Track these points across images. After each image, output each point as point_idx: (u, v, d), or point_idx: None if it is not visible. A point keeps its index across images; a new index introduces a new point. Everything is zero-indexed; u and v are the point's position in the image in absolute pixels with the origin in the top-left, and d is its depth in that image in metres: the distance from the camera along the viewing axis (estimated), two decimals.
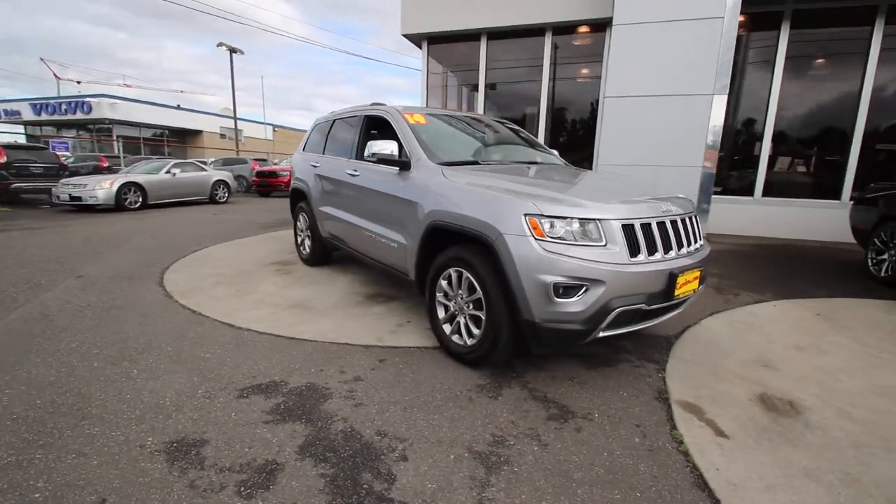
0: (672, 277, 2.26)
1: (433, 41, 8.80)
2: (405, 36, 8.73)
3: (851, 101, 6.88)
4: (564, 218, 2.16)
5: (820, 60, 7.14)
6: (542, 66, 8.23)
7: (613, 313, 2.17)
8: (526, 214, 2.18)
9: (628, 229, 2.21)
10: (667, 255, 2.31)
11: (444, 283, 2.66)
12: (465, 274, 2.47)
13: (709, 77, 6.48)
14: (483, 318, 2.39)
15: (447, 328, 2.69)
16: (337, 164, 3.96)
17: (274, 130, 33.30)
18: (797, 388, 2.40)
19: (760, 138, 7.28)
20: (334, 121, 4.38)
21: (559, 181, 2.81)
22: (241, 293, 3.79)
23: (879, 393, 2.36)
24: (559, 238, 2.14)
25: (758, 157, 7.36)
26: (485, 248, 2.36)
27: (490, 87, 8.68)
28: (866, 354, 2.84)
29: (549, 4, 7.65)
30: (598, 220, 2.18)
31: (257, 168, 16.18)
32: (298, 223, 4.86)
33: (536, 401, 2.22)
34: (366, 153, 3.12)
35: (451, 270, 2.57)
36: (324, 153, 4.36)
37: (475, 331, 2.47)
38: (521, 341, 2.31)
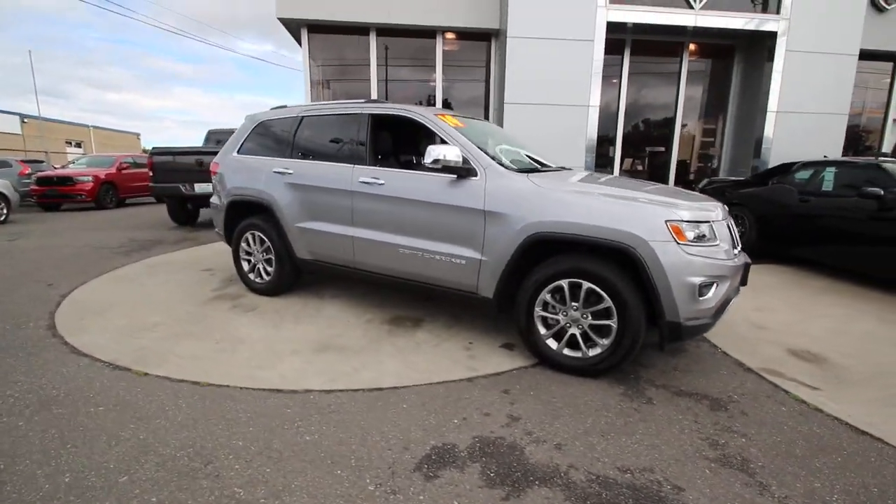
0: (748, 268, 2.66)
1: (315, 30, 7.95)
2: (281, 21, 7.66)
3: (671, 110, 8.95)
4: (696, 222, 2.33)
5: (650, 76, 9.07)
6: (434, 66, 8.30)
7: (728, 304, 2.44)
8: (667, 221, 2.27)
9: (726, 228, 2.52)
10: (735, 251, 2.70)
11: (548, 296, 2.55)
12: (586, 285, 2.42)
13: (587, 90, 7.58)
14: (614, 326, 2.39)
15: (553, 343, 2.59)
16: (333, 171, 3.30)
17: (23, 122, 24.88)
18: (794, 341, 3.11)
19: (614, 142, 8.86)
20: (303, 118, 3.62)
21: (642, 186, 2.87)
22: (226, 345, 2.86)
23: (839, 333, 3.24)
24: (694, 241, 2.30)
25: (612, 159, 8.95)
26: (616, 257, 2.37)
27: (382, 83, 8.33)
28: (799, 311, 3.84)
29: (441, 9, 7.74)
30: (713, 221, 2.41)
31: (29, 171, 12.03)
32: (246, 245, 3.87)
33: (683, 396, 2.35)
34: (426, 160, 2.70)
35: (563, 282, 2.48)
36: (294, 157, 3.57)
37: (602, 341, 2.45)
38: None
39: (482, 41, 8.32)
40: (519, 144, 3.62)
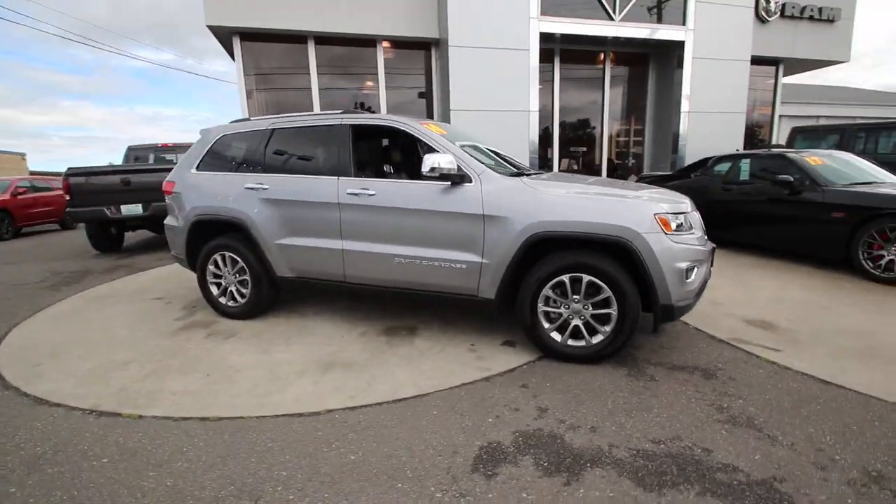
0: (714, 252, 3.00)
1: (248, 38, 7.57)
2: (211, 28, 7.21)
3: (598, 113, 9.67)
4: (678, 213, 2.59)
5: (578, 82, 9.72)
6: (376, 75, 8.26)
7: (705, 285, 2.74)
8: (655, 214, 2.50)
9: (696, 217, 2.83)
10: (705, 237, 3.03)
11: (549, 292, 2.69)
12: (586, 278, 2.59)
13: (526, 95, 7.98)
14: (614, 314, 2.58)
15: (557, 336, 2.73)
16: (315, 185, 3.20)
17: None
18: (746, 312, 3.54)
19: (551, 143, 9.38)
20: (273, 130, 3.47)
21: (616, 184, 3.12)
22: (218, 376, 2.67)
23: (778, 301, 3.74)
24: (677, 230, 2.56)
25: (551, 159, 9.47)
26: (613, 250, 2.57)
27: (324, 92, 8.12)
28: (741, 286, 4.36)
29: (379, 18, 7.73)
30: (687, 213, 2.70)
31: None
32: (214, 268, 3.62)
33: (678, 370, 2.60)
34: (423, 169, 2.73)
35: (564, 277, 2.64)
36: (267, 172, 3.41)
37: (604, 328, 2.63)
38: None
39: (422, 49, 8.43)
40: (476, 139, 3.71)
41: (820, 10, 9.81)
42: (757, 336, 3.06)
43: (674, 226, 2.54)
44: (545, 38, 8.06)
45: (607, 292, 2.57)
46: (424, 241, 2.93)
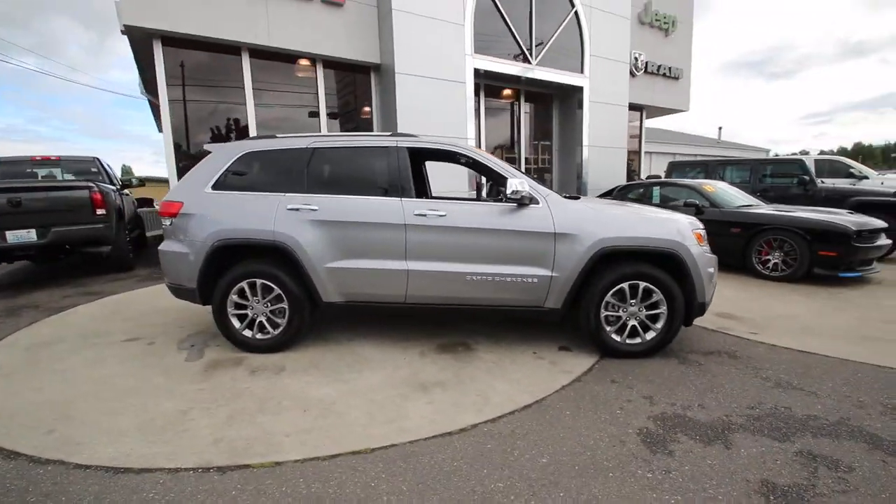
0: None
1: (170, 43, 6.72)
2: (128, 29, 6.25)
3: (515, 143, 10.72)
4: (703, 229, 3.25)
5: (498, 115, 10.67)
6: (316, 94, 8.01)
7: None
8: (694, 230, 3.12)
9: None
10: None
11: (610, 298, 3.11)
12: (642, 284, 3.08)
13: (464, 124, 8.56)
14: (664, 313, 3.10)
15: (616, 336, 3.16)
16: (376, 206, 3.15)
17: None
18: (712, 308, 4.45)
19: None
20: (315, 149, 3.30)
21: (642, 207, 3.69)
22: (318, 411, 2.48)
23: (727, 299, 4.75)
24: (705, 243, 3.21)
25: (481, 183, 10.16)
26: (661, 259, 3.09)
27: (259, 107, 7.56)
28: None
29: (320, 38, 7.59)
30: (702, 228, 3.40)
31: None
32: (238, 298, 3.24)
33: (710, 355, 3.21)
34: (508, 191, 2.95)
35: (625, 285, 3.09)
36: (310, 192, 3.22)
37: (656, 326, 3.13)
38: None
39: (363, 73, 8.46)
40: None
41: (670, 69, 12.50)
42: (731, 325, 3.89)
43: (704, 239, 3.19)
44: (474, 73, 8.79)
45: (659, 295, 3.08)
46: (497, 259, 3.13)
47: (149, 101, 10.41)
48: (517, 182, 3.00)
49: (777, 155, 27.67)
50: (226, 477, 1.91)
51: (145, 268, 7.00)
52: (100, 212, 5.83)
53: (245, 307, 3.28)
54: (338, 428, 2.30)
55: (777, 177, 8.32)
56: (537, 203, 3.14)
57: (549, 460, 2.00)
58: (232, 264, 3.26)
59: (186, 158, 7.17)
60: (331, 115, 8.32)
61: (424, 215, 3.13)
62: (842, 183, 8.10)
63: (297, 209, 3.18)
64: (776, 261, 5.58)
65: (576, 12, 9.83)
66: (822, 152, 26.84)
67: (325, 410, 2.48)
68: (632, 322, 3.14)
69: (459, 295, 3.19)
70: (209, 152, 3.48)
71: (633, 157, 13.21)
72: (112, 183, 6.97)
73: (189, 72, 7.07)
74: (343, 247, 3.18)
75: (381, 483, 1.86)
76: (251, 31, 7.09)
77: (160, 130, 14.55)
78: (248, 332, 3.30)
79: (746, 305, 4.47)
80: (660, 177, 9.88)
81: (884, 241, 5.47)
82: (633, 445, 2.11)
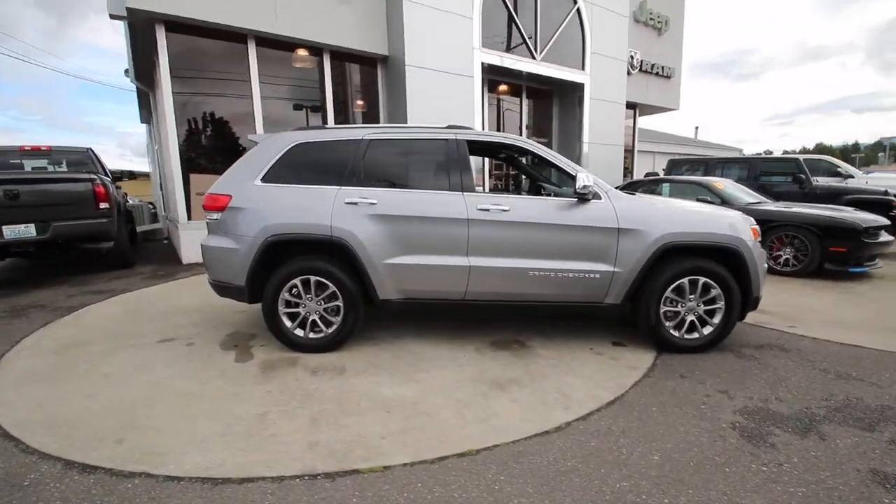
0: None
1: (174, 28, 6.39)
2: (130, 12, 5.89)
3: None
4: (755, 224, 3.31)
5: (501, 109, 10.64)
6: (323, 86, 7.79)
7: None
8: (751, 226, 3.17)
9: None
10: None
11: (670, 293, 3.14)
12: (702, 279, 3.12)
13: (472, 117, 8.50)
14: (722, 308, 3.15)
15: (675, 332, 3.19)
16: (439, 200, 3.07)
17: None
18: None
19: (484, 164, 10.05)
20: (371, 141, 3.19)
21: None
22: (404, 412, 2.40)
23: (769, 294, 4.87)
24: (759, 239, 3.28)
25: (484, 177, 10.13)
26: (723, 255, 3.13)
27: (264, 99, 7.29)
28: None
29: (331, 27, 7.37)
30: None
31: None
32: (289, 296, 3.11)
33: (763, 349, 3.29)
34: (577, 186, 2.93)
35: (684, 280, 3.12)
36: (366, 185, 3.12)
37: (714, 320, 3.17)
38: None
39: (369, 66, 8.27)
40: None
41: (662, 67, 12.74)
42: (768, 320, 3.99)
43: (759, 234, 3.25)
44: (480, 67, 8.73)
45: (717, 290, 3.13)
46: (560, 254, 3.10)
47: (137, 89, 9.89)
48: (585, 177, 2.98)
49: (742, 153, 29.18)
50: (338, 484, 1.83)
51: (145, 265, 6.68)
52: (103, 206, 5.53)
53: (297, 305, 3.16)
54: (431, 429, 2.23)
55: (774, 175, 8.61)
56: (599, 198, 3.13)
57: (660, 458, 1.99)
58: (283, 261, 3.13)
59: (190, 150, 6.87)
60: (336, 107, 8.11)
61: (487, 210, 3.07)
62: (833, 181, 8.45)
63: (356, 203, 3.07)
64: (787, 256, 5.77)
65: (577, 9, 9.88)
66: (784, 152, 28.44)
67: (410, 412, 2.40)
68: (690, 317, 3.18)
69: (520, 291, 3.16)
70: (254, 143, 3.32)
71: (627, 154, 13.44)
72: (107, 175, 6.61)
73: (193, 61, 6.75)
74: (403, 242, 3.10)
75: (503, 485, 1.81)
76: (258, 18, 6.82)
77: (143, 121, 14.05)
78: (299, 332, 3.18)
79: (773, 300, 4.59)
80: (658, 174, 10.08)
81: (886, 237, 5.73)
82: (734, 440, 2.13)
